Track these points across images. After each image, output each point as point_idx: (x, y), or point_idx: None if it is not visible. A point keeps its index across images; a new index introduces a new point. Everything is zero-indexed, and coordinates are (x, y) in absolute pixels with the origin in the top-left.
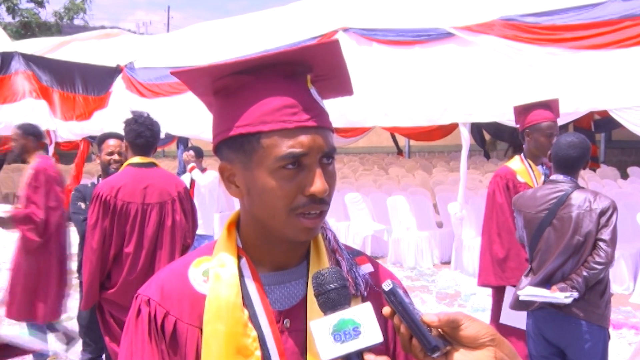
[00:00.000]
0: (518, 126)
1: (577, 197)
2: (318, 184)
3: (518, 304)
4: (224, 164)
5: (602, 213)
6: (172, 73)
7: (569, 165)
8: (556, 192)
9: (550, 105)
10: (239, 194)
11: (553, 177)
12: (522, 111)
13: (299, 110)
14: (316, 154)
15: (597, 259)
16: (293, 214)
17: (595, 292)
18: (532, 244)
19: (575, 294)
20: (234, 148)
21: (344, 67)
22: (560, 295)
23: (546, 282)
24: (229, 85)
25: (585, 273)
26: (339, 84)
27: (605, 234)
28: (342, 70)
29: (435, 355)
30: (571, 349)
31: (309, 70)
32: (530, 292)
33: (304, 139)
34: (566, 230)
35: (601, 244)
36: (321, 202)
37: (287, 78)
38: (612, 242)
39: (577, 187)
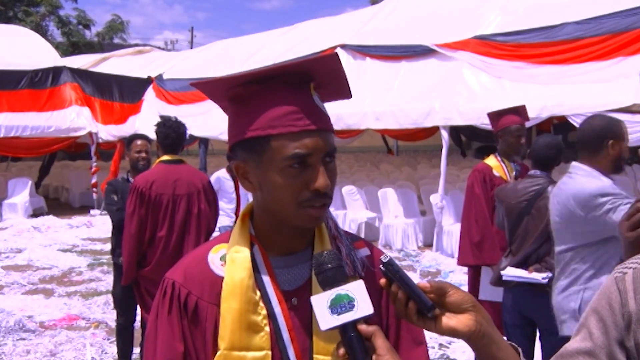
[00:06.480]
0: (493, 129)
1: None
2: (321, 180)
3: (499, 282)
4: (238, 162)
5: None
6: (191, 84)
7: (547, 162)
8: (534, 185)
9: (519, 111)
10: (252, 188)
11: (531, 172)
12: (495, 116)
13: (303, 115)
14: (319, 154)
15: None
16: (300, 207)
17: None
18: (512, 230)
19: (550, 275)
20: (247, 149)
21: (343, 75)
22: (537, 276)
23: (524, 263)
24: (241, 94)
25: None
26: (340, 89)
27: None
28: (341, 78)
29: (429, 314)
30: (543, 320)
31: (312, 79)
32: (511, 272)
33: (307, 141)
34: (542, 218)
35: None
36: (324, 196)
37: (292, 87)
38: None
39: (552, 181)
